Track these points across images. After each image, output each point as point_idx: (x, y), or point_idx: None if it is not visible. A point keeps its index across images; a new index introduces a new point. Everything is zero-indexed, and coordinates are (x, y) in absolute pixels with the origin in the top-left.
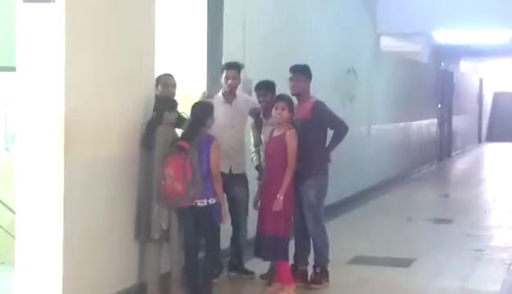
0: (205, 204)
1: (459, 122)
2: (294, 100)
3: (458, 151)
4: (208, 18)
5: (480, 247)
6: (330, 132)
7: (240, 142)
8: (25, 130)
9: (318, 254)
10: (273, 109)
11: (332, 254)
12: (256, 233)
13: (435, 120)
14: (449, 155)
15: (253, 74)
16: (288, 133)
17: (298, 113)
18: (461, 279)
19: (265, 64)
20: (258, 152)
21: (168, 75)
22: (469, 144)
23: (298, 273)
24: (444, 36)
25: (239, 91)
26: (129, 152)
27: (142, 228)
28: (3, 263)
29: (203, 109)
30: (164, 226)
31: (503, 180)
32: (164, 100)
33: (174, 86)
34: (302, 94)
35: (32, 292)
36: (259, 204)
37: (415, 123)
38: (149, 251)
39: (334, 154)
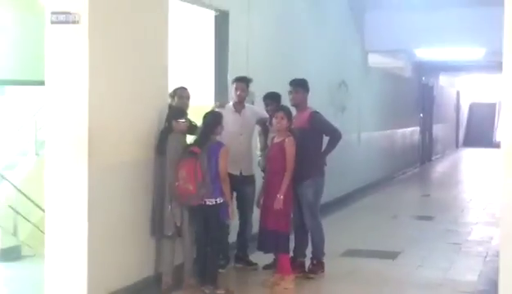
0: (213, 203)
1: (438, 130)
2: (294, 110)
3: (438, 155)
4: (215, 39)
5: (459, 241)
6: (326, 138)
7: (248, 147)
8: (53, 137)
9: (315, 247)
10: (273, 119)
11: (327, 247)
12: (259, 228)
13: (417, 128)
14: (430, 159)
15: (255, 87)
16: (286, 140)
17: (296, 121)
18: (442, 270)
19: (266, 78)
20: (263, 156)
21: (184, 88)
22: (447, 150)
23: (296, 264)
24: (425, 53)
25: (246, 103)
26: (144, 157)
27: (157, 225)
28: (34, 255)
29: (213, 118)
30: (178, 223)
31: (478, 182)
32: (174, 110)
33: (188, 98)
34: (300, 105)
35: (60, 282)
36: (261, 202)
37: (400, 131)
38: (163, 246)
39: (329, 158)
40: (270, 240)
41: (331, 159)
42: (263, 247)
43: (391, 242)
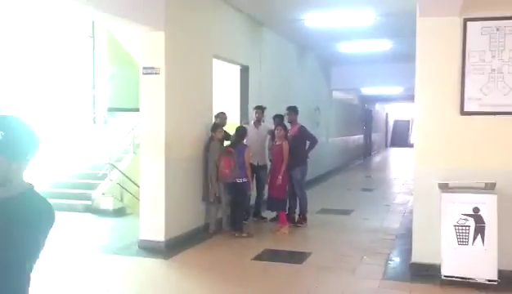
0: (241, 181)
1: (375, 136)
2: (289, 125)
3: (374, 152)
4: (240, 82)
5: (388, 204)
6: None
7: (262, 148)
8: (144, 142)
9: (302, 207)
10: (276, 131)
11: (309, 208)
12: (267, 196)
13: (362, 135)
14: (369, 154)
15: (266, 111)
16: (283, 144)
17: (290, 132)
18: (379, 221)
19: (271, 104)
20: (270, 152)
21: (223, 112)
22: (380, 149)
23: (290, 218)
24: (366, 90)
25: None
26: (197, 154)
27: (205, 195)
28: (132, 213)
29: (241, 131)
30: (217, 194)
31: (399, 167)
32: (215, 126)
33: (225, 118)
34: (293, 122)
35: (148, 229)
36: (269, 180)
37: (351, 137)
38: (210, 207)
39: (310, 154)
40: (274, 203)
41: (311, 154)
42: (270, 208)
43: (347, 204)
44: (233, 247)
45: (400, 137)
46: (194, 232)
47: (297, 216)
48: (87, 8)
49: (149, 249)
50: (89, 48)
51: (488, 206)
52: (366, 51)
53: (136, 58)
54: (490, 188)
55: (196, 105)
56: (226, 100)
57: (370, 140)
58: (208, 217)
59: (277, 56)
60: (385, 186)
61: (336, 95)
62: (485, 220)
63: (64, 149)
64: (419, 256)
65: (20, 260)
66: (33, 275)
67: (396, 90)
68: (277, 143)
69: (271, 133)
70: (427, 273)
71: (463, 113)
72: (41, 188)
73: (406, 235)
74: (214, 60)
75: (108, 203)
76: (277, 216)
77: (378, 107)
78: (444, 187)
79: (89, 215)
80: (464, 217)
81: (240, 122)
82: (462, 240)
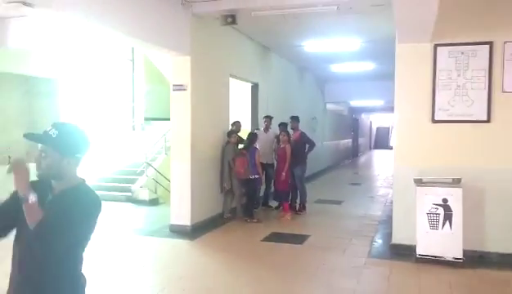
0: (253, 177)
1: (361, 140)
2: (291, 131)
3: (360, 153)
4: (251, 96)
5: (372, 196)
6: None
7: (270, 150)
8: (174, 145)
9: (302, 198)
10: (280, 136)
11: (308, 198)
12: (274, 189)
13: (350, 139)
14: (357, 155)
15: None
16: (287, 146)
17: (293, 137)
18: (365, 209)
19: (277, 114)
20: (276, 153)
21: (238, 121)
22: (365, 150)
23: (292, 207)
24: (355, 103)
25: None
26: (216, 155)
27: (221, 187)
28: (164, 203)
29: (252, 136)
30: (227, 187)
31: (381, 165)
32: (230, 132)
33: (240, 126)
34: (295, 128)
35: (177, 215)
36: (275, 176)
37: (342, 141)
38: (225, 197)
39: (309, 155)
40: (279, 195)
41: (310, 155)
42: (276, 199)
43: (339, 196)
44: (245, 230)
45: (381, 141)
46: (213, 218)
47: (298, 205)
48: (129, 38)
49: (177, 232)
50: (129, 69)
51: (455, 197)
52: (354, 70)
53: (167, 77)
54: (456, 182)
55: (216, 115)
56: (240, 111)
57: (357, 143)
58: (224, 206)
59: (281, 75)
60: (370, 181)
61: (329, 106)
62: (452, 209)
63: (109, 151)
64: (398, 238)
65: (73, 242)
66: (85, 254)
67: (378, 102)
68: (282, 146)
69: (277, 137)
70: (404, 252)
71: (434, 121)
72: (91, 182)
73: (387, 221)
74: (230, 79)
75: (145, 195)
76: (281, 205)
77: (363, 116)
78: (419, 182)
79: (129, 204)
80: (435, 207)
81: (252, 129)
82: (433, 225)
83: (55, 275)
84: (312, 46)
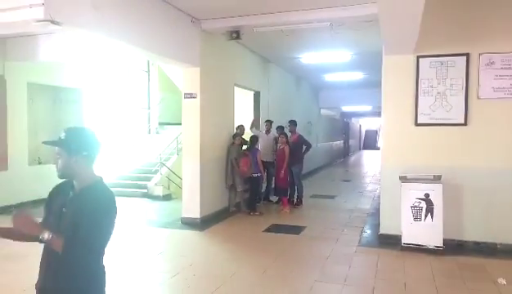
0: (256, 175)
1: (351, 142)
2: (289, 134)
3: (351, 153)
4: (254, 103)
5: (362, 191)
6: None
7: (270, 150)
8: (185, 146)
9: (299, 193)
10: (279, 137)
11: (304, 193)
12: (274, 185)
13: (342, 141)
14: (348, 155)
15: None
16: (285, 147)
17: (291, 139)
18: (355, 203)
19: (277, 118)
20: (275, 153)
21: (242, 125)
22: (355, 151)
23: (290, 201)
24: (346, 108)
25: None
26: (221, 155)
27: (227, 184)
28: (177, 198)
29: (254, 138)
30: (229, 183)
31: (370, 164)
32: (234, 134)
33: (244, 129)
34: (293, 131)
35: (188, 209)
36: (275, 174)
37: (334, 142)
38: (230, 193)
39: (305, 155)
40: (278, 190)
41: (306, 155)
42: (276, 194)
43: (332, 191)
44: (248, 222)
45: (370, 142)
46: (220, 211)
47: (295, 200)
48: (145, 52)
49: (188, 224)
50: (145, 80)
51: (436, 192)
52: (345, 79)
53: (179, 86)
54: (437, 179)
55: (222, 120)
56: (243, 116)
57: (348, 144)
58: (230, 200)
59: (281, 84)
60: (359, 178)
61: (323, 111)
62: (433, 203)
63: (127, 152)
64: (385, 228)
65: (99, 243)
66: (106, 249)
67: (367, 108)
68: (280, 147)
69: (276, 139)
70: (391, 241)
71: (417, 124)
72: (110, 179)
73: (375, 214)
74: (235, 87)
75: (159, 191)
76: (281, 199)
77: (354, 120)
78: (403, 178)
79: (145, 199)
80: (418, 200)
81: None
82: (417, 217)
83: (78, 267)
84: (307, 58)
